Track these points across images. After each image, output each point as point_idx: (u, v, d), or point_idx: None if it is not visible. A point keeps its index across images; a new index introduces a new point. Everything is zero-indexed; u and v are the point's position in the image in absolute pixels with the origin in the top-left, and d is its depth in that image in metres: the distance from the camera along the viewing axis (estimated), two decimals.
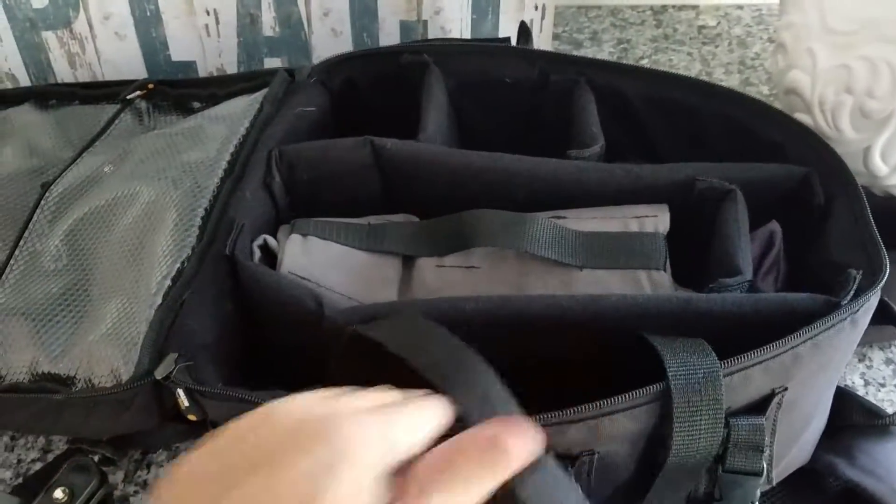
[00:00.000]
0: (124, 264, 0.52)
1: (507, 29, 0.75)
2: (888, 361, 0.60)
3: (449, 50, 0.60)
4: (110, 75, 0.77)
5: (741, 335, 0.41)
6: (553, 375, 0.45)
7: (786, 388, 0.42)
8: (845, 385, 0.58)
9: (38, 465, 0.56)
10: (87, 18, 0.73)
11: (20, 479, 0.55)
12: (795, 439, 0.46)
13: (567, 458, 0.40)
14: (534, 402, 0.40)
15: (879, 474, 0.48)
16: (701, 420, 0.39)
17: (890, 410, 0.51)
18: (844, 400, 0.51)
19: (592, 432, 0.39)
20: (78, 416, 0.47)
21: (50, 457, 0.56)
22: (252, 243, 0.50)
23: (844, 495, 0.49)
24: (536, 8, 0.74)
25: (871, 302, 0.44)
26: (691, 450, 0.39)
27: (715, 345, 0.41)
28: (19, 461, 0.56)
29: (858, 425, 0.51)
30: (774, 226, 0.51)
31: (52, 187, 0.57)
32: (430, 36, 0.75)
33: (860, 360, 0.60)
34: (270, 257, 0.51)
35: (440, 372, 0.34)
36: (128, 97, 0.65)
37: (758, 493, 0.43)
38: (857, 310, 0.42)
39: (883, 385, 0.59)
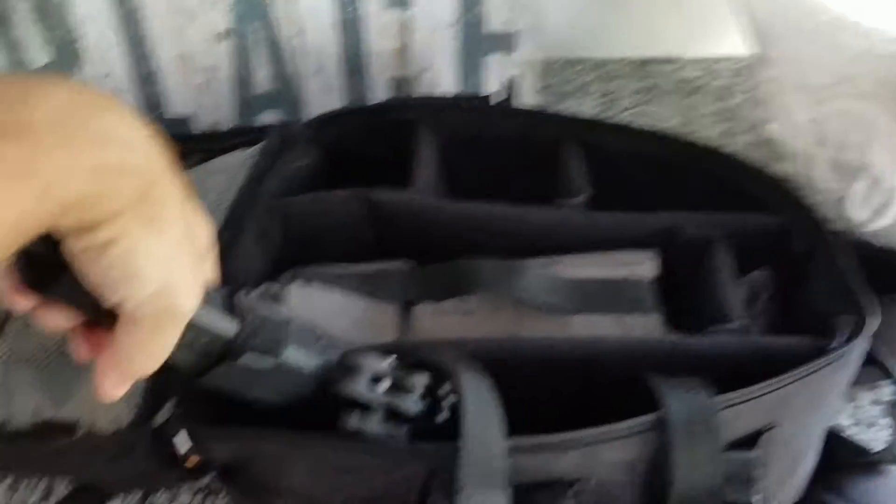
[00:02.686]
0: None
1: (494, 85, 0.77)
2: (876, 402, 0.61)
3: (437, 106, 0.62)
4: None
5: (732, 377, 0.42)
6: (549, 415, 0.47)
7: (776, 426, 0.43)
8: (834, 425, 0.59)
9: None
10: (86, 76, 0.75)
11: None
12: (788, 476, 0.48)
13: (562, 484, 0.41)
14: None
15: None
16: (700, 450, 0.40)
17: (878, 449, 0.52)
18: (834, 439, 0.52)
19: (586, 459, 0.40)
20: (81, 462, 0.48)
21: (52, 499, 0.57)
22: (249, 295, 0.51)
23: None
24: (521, 65, 0.76)
25: (858, 350, 0.45)
26: (694, 480, 0.40)
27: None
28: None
29: (848, 463, 0.52)
30: (760, 275, 0.53)
31: None
32: (418, 93, 0.77)
33: (850, 401, 0.61)
34: None
35: None
36: None
37: None
38: (845, 355, 0.43)
39: (872, 425, 0.60)
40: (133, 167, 0.29)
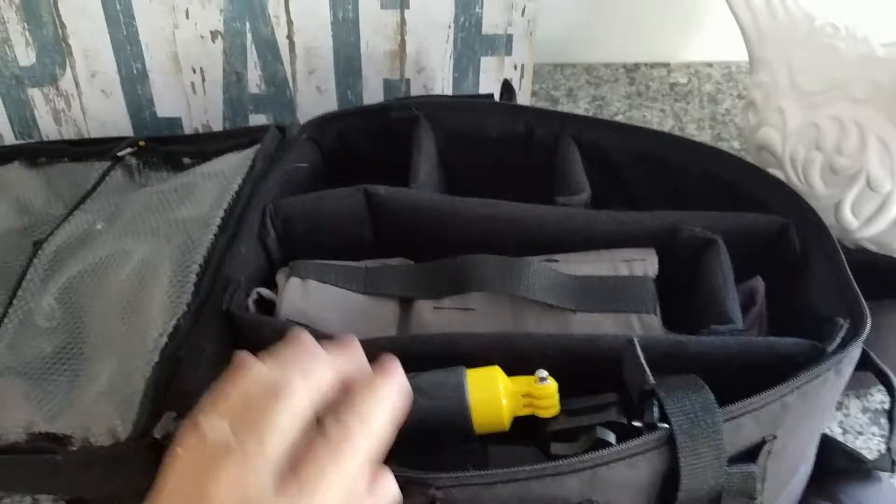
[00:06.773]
0: (118, 322, 0.52)
1: (487, 88, 0.77)
2: (865, 410, 0.61)
3: (436, 105, 0.62)
4: (95, 131, 0.77)
5: (729, 379, 0.42)
6: None
7: (775, 437, 0.43)
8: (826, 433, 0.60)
9: None
10: (73, 76, 0.74)
11: None
12: (784, 486, 0.47)
13: None
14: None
15: None
16: (703, 452, 0.40)
17: (869, 457, 0.52)
18: (827, 446, 0.52)
19: (590, 482, 0.40)
20: (75, 476, 0.47)
21: None
22: (247, 299, 0.51)
23: None
24: (515, 67, 0.76)
25: (855, 353, 0.45)
26: (700, 482, 0.40)
27: None
28: None
29: (842, 470, 0.52)
30: (757, 282, 0.52)
31: (44, 245, 0.57)
32: (413, 94, 0.77)
33: (838, 409, 0.61)
34: (264, 307, 0.51)
35: None
36: (118, 154, 0.66)
37: None
38: (842, 360, 0.43)
39: (860, 433, 0.60)
40: None
